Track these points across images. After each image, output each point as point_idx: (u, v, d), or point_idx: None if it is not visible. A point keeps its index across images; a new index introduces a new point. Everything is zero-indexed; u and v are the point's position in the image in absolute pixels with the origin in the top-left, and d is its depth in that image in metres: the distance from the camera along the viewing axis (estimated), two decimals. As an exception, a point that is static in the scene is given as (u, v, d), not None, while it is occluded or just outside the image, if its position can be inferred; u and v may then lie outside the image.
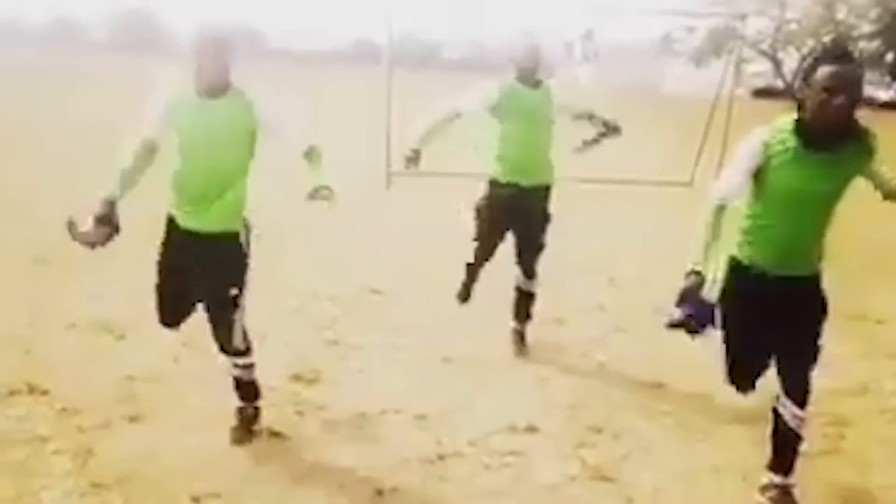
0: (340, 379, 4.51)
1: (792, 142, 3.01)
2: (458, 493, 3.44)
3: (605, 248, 7.62)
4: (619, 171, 10.52)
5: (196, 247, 3.45)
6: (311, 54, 70.01)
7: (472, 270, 4.98)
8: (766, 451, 3.42)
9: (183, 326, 3.72)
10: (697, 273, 3.14)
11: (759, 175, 3.10)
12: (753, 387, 3.50)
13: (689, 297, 3.15)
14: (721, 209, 3.21)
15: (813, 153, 2.98)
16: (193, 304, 3.62)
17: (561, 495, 3.46)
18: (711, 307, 3.24)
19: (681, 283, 3.16)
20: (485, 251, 4.85)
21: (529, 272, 4.84)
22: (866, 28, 55.92)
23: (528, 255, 4.80)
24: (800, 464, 3.65)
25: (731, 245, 3.29)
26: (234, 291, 3.50)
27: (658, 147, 15.49)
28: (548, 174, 4.72)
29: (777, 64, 59.54)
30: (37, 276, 5.82)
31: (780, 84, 58.75)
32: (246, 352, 3.67)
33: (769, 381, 3.40)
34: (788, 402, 3.27)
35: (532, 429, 4.00)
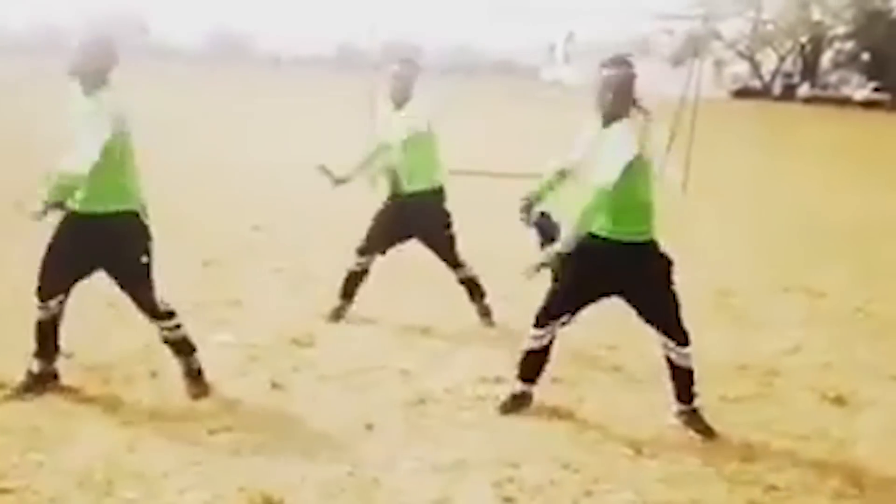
0: (331, 343, 5.09)
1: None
2: (436, 426, 4.06)
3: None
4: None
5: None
6: (296, 59, 70.45)
7: None
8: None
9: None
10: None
11: None
12: None
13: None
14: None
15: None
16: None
17: (522, 427, 4.07)
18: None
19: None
20: None
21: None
22: (842, 29, 57.00)
23: None
24: (734, 406, 4.34)
25: None
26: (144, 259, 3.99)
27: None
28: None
29: (755, 65, 60.54)
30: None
31: (757, 84, 59.74)
32: (172, 314, 4.12)
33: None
34: None
35: (500, 380, 4.58)
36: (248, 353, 4.84)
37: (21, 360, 4.13)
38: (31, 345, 4.09)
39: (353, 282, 5.51)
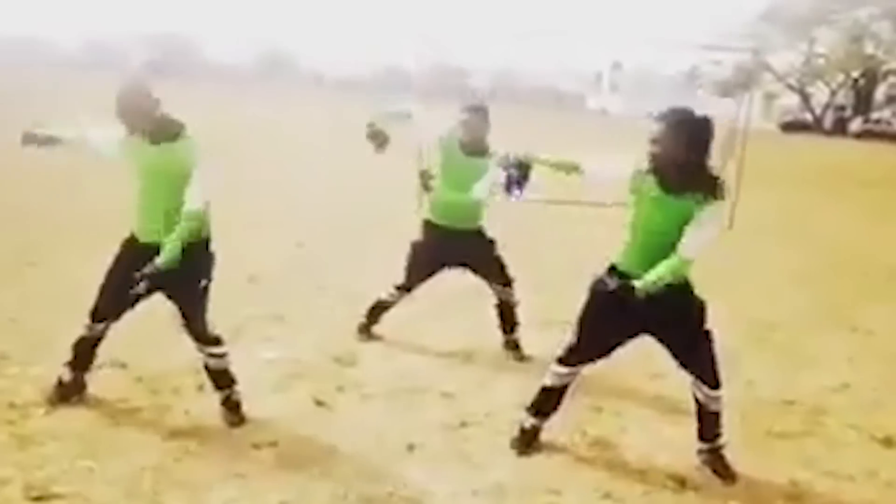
0: (374, 363, 5.14)
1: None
2: (476, 449, 4.07)
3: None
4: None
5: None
6: (341, 81, 71.46)
7: None
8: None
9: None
10: None
11: None
12: None
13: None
14: None
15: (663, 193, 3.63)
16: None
17: (563, 455, 4.07)
18: None
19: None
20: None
21: None
22: (895, 64, 56.11)
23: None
24: (780, 442, 4.29)
25: None
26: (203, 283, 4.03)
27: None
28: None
29: (805, 98, 59.86)
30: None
31: (808, 117, 59.00)
32: (219, 341, 4.13)
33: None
34: None
35: (541, 406, 4.58)
36: (291, 369, 4.90)
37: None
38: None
39: (379, 311, 5.54)
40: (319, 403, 4.47)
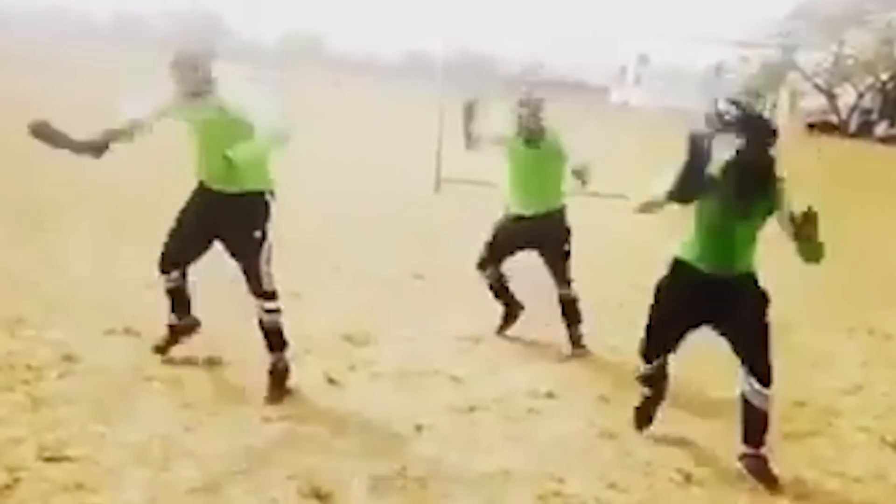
0: (386, 343, 5.16)
1: None
2: (483, 435, 4.09)
3: (640, 260, 8.17)
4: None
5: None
6: (365, 64, 71.39)
7: None
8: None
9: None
10: None
11: None
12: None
13: None
14: None
15: None
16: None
17: (570, 443, 4.08)
18: None
19: None
20: None
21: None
22: (925, 67, 55.27)
23: None
24: (789, 442, 4.30)
25: None
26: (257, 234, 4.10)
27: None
28: None
29: (833, 99, 59.14)
30: (117, 242, 6.56)
31: (833, 119, 58.29)
32: (274, 296, 4.21)
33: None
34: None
35: (550, 395, 4.60)
36: (303, 345, 4.92)
37: (93, 336, 4.28)
38: (103, 323, 4.23)
39: (497, 291, 5.53)
40: (330, 381, 4.50)
